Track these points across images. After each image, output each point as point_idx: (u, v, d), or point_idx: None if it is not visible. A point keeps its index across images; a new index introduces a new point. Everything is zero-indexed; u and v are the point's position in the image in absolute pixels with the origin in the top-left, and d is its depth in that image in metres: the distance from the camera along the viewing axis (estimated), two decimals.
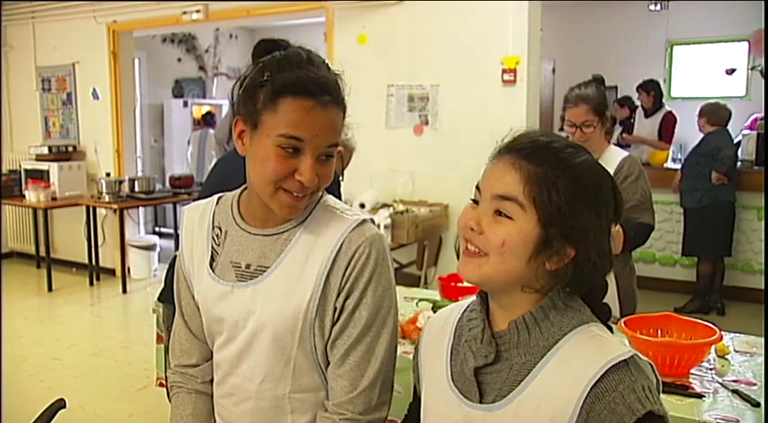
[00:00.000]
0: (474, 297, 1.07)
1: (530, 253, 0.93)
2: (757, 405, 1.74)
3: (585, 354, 0.92)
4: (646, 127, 6.26)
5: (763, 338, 2.26)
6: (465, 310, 1.09)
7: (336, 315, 1.17)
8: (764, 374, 1.85)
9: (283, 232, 1.20)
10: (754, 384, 1.88)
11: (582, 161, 0.95)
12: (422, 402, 1.11)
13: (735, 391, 1.82)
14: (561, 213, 0.92)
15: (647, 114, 6.29)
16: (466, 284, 2.74)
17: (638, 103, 6.53)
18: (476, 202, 0.99)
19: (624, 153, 2.64)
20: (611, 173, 2.61)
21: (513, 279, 0.95)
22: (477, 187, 1.00)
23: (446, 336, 1.09)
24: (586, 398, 0.89)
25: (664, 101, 6.40)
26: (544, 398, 0.92)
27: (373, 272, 1.16)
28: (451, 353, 1.06)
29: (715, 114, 5.14)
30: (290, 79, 1.10)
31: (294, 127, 1.09)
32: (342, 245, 1.16)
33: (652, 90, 6.21)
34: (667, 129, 6.15)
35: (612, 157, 2.55)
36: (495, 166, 0.98)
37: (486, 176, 0.99)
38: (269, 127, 1.11)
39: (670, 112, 6.23)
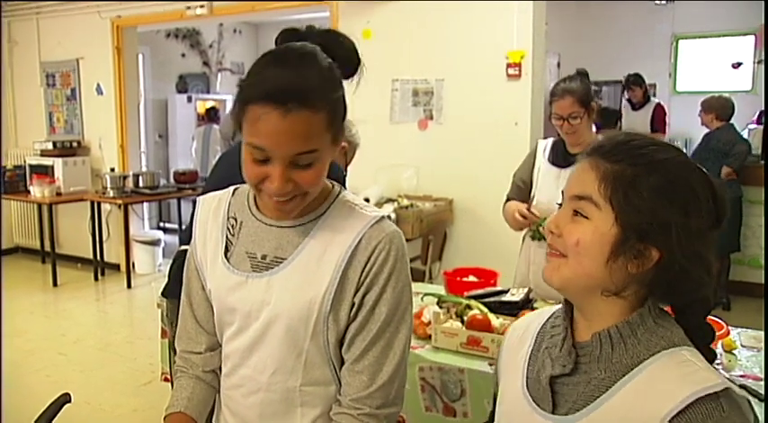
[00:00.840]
0: (558, 305, 1.05)
1: (607, 253, 0.89)
2: (764, 400, 1.73)
3: (671, 380, 0.85)
4: (637, 120, 6.31)
5: None
6: (550, 317, 1.06)
7: (355, 311, 1.17)
8: (764, 369, 1.83)
9: (301, 225, 1.20)
10: (762, 379, 1.87)
11: (666, 158, 0.90)
12: (497, 406, 1.09)
13: (742, 387, 1.80)
14: (639, 211, 0.87)
15: (636, 108, 6.37)
16: (471, 279, 2.74)
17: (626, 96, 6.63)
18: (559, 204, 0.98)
19: None
20: None
21: (592, 282, 0.91)
22: (563, 191, 0.97)
23: (527, 341, 1.06)
24: None
25: (666, 95, 6.44)
26: (620, 419, 0.86)
27: (393, 268, 1.16)
28: (530, 359, 1.03)
29: (722, 109, 5.12)
30: (255, 85, 1.06)
31: (256, 136, 1.06)
32: (361, 240, 1.16)
33: (643, 84, 6.32)
34: (659, 120, 6.29)
35: None
36: (577, 168, 0.95)
37: (568, 179, 0.96)
38: (244, 131, 1.10)
39: (659, 105, 6.36)
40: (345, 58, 1.17)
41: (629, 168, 0.89)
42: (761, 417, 1.68)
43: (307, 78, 1.06)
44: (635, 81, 6.39)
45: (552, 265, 0.94)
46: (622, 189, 0.88)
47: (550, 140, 2.71)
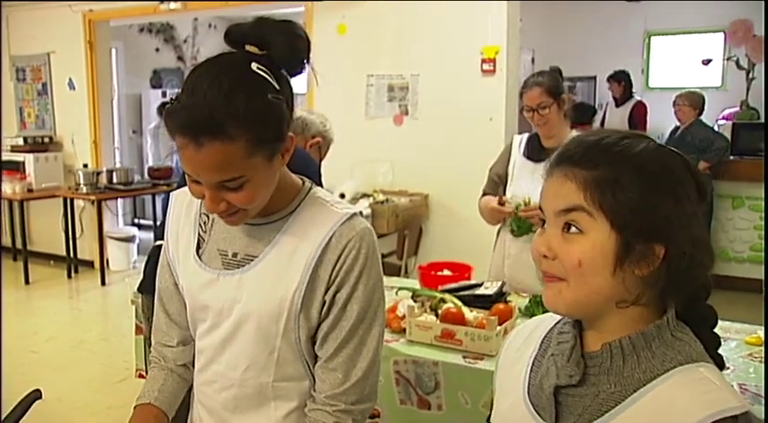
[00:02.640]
0: None
1: (612, 265, 0.82)
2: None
3: (687, 398, 0.79)
4: (616, 117, 6.37)
5: (737, 324, 2.30)
6: (558, 323, 0.98)
7: (326, 309, 1.17)
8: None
9: (272, 222, 1.20)
10: (728, 368, 1.91)
11: (642, 148, 0.85)
12: (493, 409, 1.04)
13: None
14: (634, 210, 0.81)
15: (618, 104, 6.41)
16: (446, 273, 2.76)
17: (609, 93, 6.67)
18: (544, 222, 0.89)
19: None
20: None
21: (603, 298, 0.84)
22: (541, 209, 0.90)
23: (531, 346, 0.99)
24: None
25: (638, 90, 6.50)
26: None
27: (364, 266, 1.16)
28: (533, 365, 0.96)
29: (699, 104, 5.22)
30: (171, 117, 1.03)
31: (183, 162, 1.06)
32: (332, 238, 1.16)
33: (623, 80, 6.34)
34: (639, 118, 6.32)
35: None
36: (549, 181, 0.88)
37: (543, 196, 0.89)
38: None
39: (640, 102, 6.39)
40: (290, 53, 1.10)
41: (609, 169, 0.83)
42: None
43: (218, 108, 1.00)
44: (612, 77, 6.41)
45: (552, 291, 0.86)
46: (610, 192, 0.82)
47: (526, 135, 2.75)
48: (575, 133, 2.70)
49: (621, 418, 0.82)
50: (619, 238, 0.82)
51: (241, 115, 1.01)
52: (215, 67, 1.06)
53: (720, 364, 0.88)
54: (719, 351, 0.90)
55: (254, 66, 1.05)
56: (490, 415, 1.05)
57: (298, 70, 1.13)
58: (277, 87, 1.07)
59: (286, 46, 1.09)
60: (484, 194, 2.77)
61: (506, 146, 2.83)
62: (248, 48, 1.09)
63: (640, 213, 0.82)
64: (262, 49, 1.08)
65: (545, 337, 0.99)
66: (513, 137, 2.83)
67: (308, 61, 1.13)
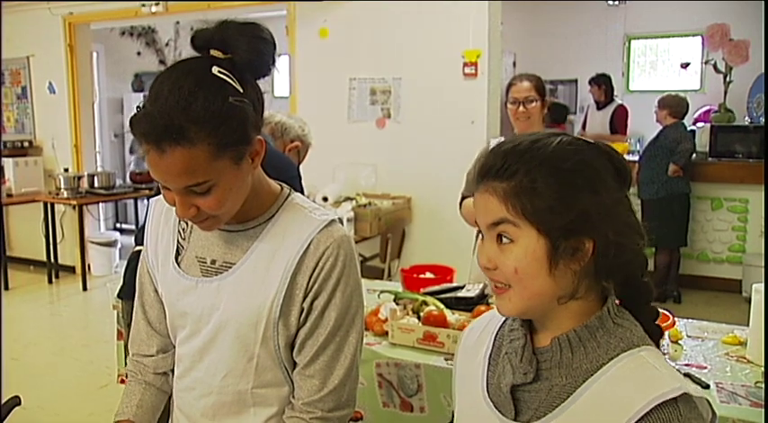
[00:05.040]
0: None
1: (547, 266, 0.86)
2: (707, 387, 1.80)
3: (631, 384, 0.84)
4: (596, 120, 6.42)
5: (714, 324, 2.34)
6: (507, 319, 1.02)
7: (304, 316, 1.17)
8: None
9: (249, 229, 1.20)
10: (705, 368, 1.95)
11: (553, 148, 0.88)
12: (455, 411, 1.07)
13: (686, 375, 1.87)
14: (553, 212, 0.85)
15: (599, 107, 6.46)
16: (428, 276, 2.77)
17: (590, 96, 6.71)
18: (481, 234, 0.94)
19: None
20: None
21: (546, 298, 0.89)
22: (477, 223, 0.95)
23: (485, 343, 1.04)
24: None
25: (619, 93, 6.55)
26: None
27: (341, 273, 1.16)
28: (489, 364, 1.01)
29: (678, 107, 5.27)
30: (134, 125, 1.04)
31: (150, 168, 1.07)
32: (309, 245, 1.15)
33: (603, 84, 6.39)
34: (620, 121, 6.35)
35: None
36: (477, 197, 0.93)
37: (476, 211, 0.93)
38: None
39: (621, 105, 6.43)
40: (252, 56, 1.09)
41: (524, 177, 0.86)
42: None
43: (178, 113, 1.00)
44: (594, 80, 6.44)
45: (502, 299, 0.92)
46: (528, 200, 0.86)
47: (502, 138, 2.78)
48: None
49: (573, 409, 0.87)
50: (547, 241, 0.86)
51: (201, 119, 1.01)
52: (175, 72, 1.06)
53: (659, 335, 0.94)
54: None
55: (214, 69, 1.05)
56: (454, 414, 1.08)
57: (262, 73, 1.12)
58: (240, 90, 1.06)
59: (248, 49, 1.08)
60: (463, 198, 2.79)
61: (482, 150, 2.86)
62: (212, 52, 1.08)
63: (559, 214, 0.85)
64: (225, 53, 1.08)
65: (497, 333, 1.03)
66: (491, 140, 2.86)
67: (273, 63, 1.13)
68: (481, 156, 0.94)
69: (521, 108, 2.65)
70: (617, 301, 0.94)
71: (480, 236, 0.94)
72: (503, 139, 2.82)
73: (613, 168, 0.90)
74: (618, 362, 0.87)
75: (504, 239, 0.89)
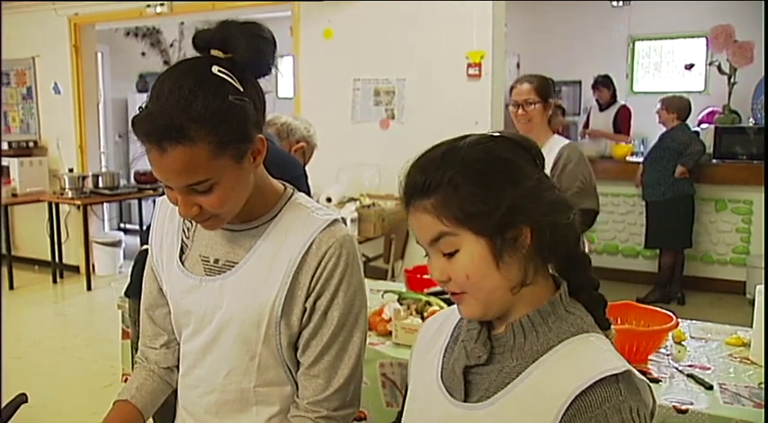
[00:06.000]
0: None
1: (494, 264, 0.89)
2: (710, 388, 1.80)
3: (576, 362, 0.87)
4: (600, 121, 6.41)
5: (718, 325, 2.34)
6: None
7: (307, 316, 1.18)
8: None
9: (252, 228, 1.20)
10: (708, 369, 1.95)
11: (464, 152, 0.91)
12: (407, 397, 1.10)
13: (690, 376, 1.88)
14: (484, 213, 0.88)
15: (602, 108, 6.45)
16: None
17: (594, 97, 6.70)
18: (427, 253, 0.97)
19: (565, 141, 2.74)
20: (552, 161, 2.67)
21: (501, 293, 0.92)
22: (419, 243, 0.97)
23: (443, 333, 1.07)
24: (567, 409, 0.84)
25: (623, 94, 6.53)
26: (527, 402, 0.88)
27: (344, 273, 1.16)
28: (445, 351, 1.04)
29: (683, 109, 5.26)
30: (135, 125, 1.04)
31: (152, 168, 1.08)
32: (312, 245, 1.16)
33: (607, 85, 6.38)
34: (623, 122, 6.33)
35: (555, 145, 2.67)
36: (410, 218, 0.95)
37: (415, 232, 0.96)
38: None
39: (624, 106, 6.42)
40: (252, 55, 1.10)
41: (447, 187, 0.89)
42: (714, 400, 1.74)
43: (178, 112, 1.01)
44: (602, 82, 6.43)
45: (463, 306, 0.95)
46: (456, 208, 0.88)
47: None
48: (556, 137, 2.74)
49: (522, 386, 0.90)
50: (486, 240, 0.89)
51: (201, 117, 1.02)
52: (176, 72, 1.06)
53: (607, 324, 0.97)
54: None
55: (214, 69, 1.05)
56: (404, 404, 1.11)
57: (262, 72, 1.13)
58: (240, 89, 1.07)
59: (248, 48, 1.08)
60: None
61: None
62: (213, 52, 1.09)
63: (490, 213, 0.88)
64: (225, 52, 1.09)
65: (456, 326, 1.06)
66: None
67: (272, 62, 1.13)
68: (401, 175, 0.95)
69: (520, 111, 2.66)
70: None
71: (425, 254, 0.96)
72: None
73: (525, 153, 0.94)
74: (566, 344, 0.90)
75: (448, 250, 0.91)
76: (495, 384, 0.92)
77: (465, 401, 0.95)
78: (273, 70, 1.15)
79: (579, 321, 0.93)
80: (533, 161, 0.94)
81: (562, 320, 0.92)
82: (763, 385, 1.83)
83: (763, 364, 1.94)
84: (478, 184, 0.88)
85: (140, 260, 2.32)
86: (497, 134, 0.96)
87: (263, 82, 1.15)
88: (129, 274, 2.45)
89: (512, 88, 2.73)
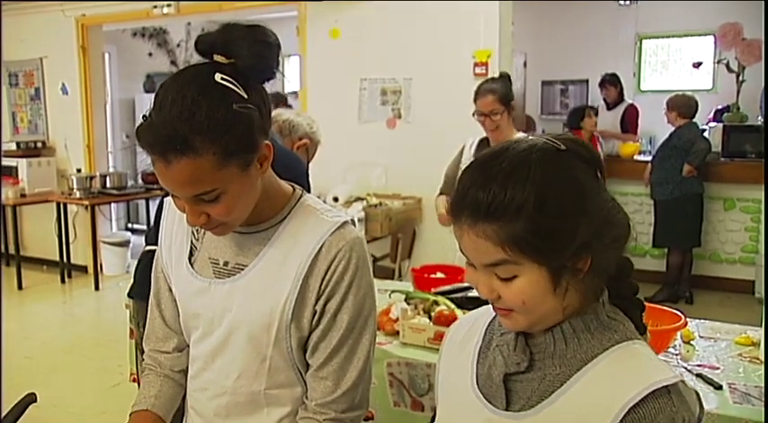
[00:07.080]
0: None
1: (551, 290, 0.86)
2: (719, 388, 1.80)
3: (626, 373, 0.85)
4: (608, 120, 6.38)
5: (727, 325, 2.33)
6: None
7: (317, 318, 1.17)
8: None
9: (261, 231, 1.19)
10: (717, 368, 1.94)
11: (533, 172, 0.83)
12: (438, 405, 1.06)
13: (699, 375, 1.87)
14: (555, 250, 0.84)
15: (610, 107, 6.43)
16: (439, 276, 2.77)
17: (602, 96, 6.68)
18: (472, 264, 0.91)
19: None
20: None
21: (553, 313, 0.89)
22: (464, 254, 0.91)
23: (474, 338, 1.03)
24: (621, 421, 0.82)
25: (630, 93, 6.51)
26: (575, 412, 0.86)
27: (354, 276, 1.16)
28: (479, 356, 1.00)
29: (686, 107, 5.23)
30: (139, 136, 1.03)
31: (158, 178, 1.07)
32: (321, 247, 1.15)
33: (618, 84, 6.35)
34: (631, 121, 6.31)
35: None
36: (462, 236, 0.88)
37: (462, 246, 0.90)
38: None
39: (632, 105, 6.39)
40: (254, 60, 1.08)
41: (514, 215, 0.82)
42: (724, 400, 1.73)
43: (181, 124, 1.00)
44: (609, 80, 6.40)
45: (509, 321, 0.91)
46: (524, 241, 0.83)
47: (477, 138, 2.94)
48: (520, 135, 2.79)
49: (569, 396, 0.87)
50: (549, 270, 0.85)
51: (205, 129, 1.00)
52: (179, 80, 1.05)
53: (644, 329, 0.95)
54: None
55: (217, 76, 1.04)
56: (434, 415, 1.07)
57: (265, 77, 1.11)
58: (244, 96, 1.05)
59: (250, 53, 1.06)
60: (441, 194, 2.92)
61: (460, 148, 3.07)
62: (216, 57, 1.08)
63: (562, 250, 0.84)
64: (228, 57, 1.07)
65: (487, 328, 1.03)
66: (467, 139, 3.07)
67: (276, 67, 1.11)
68: (460, 184, 0.88)
69: (487, 120, 2.80)
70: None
71: (468, 262, 0.91)
72: (478, 138, 2.99)
73: (588, 167, 0.88)
74: (612, 352, 0.88)
75: (505, 276, 0.87)
76: (539, 393, 0.90)
77: (507, 410, 0.92)
78: (277, 74, 1.13)
79: (622, 328, 0.91)
80: (596, 174, 0.89)
81: (605, 327, 0.90)
82: None
83: None
84: (550, 216, 0.82)
85: (143, 261, 2.31)
86: (560, 143, 0.87)
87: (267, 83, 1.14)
88: (133, 275, 2.44)
89: (475, 98, 2.85)
